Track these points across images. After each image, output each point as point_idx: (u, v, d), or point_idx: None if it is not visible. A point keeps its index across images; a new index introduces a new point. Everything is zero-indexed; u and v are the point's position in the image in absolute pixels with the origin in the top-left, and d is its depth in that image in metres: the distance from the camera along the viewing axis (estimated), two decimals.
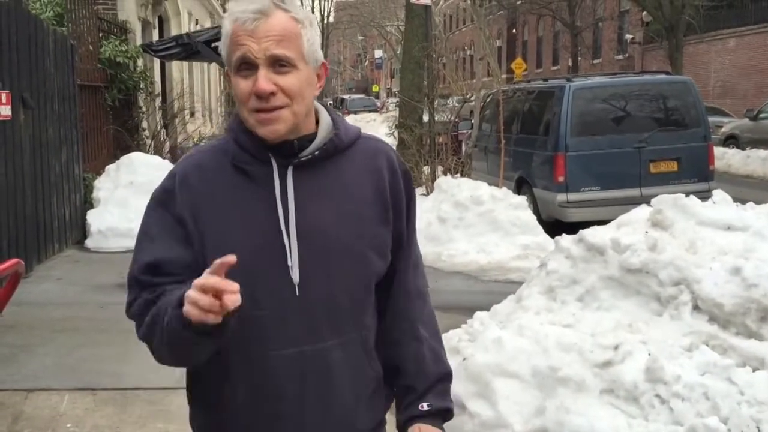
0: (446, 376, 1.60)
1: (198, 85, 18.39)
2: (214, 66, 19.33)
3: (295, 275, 1.41)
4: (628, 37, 32.07)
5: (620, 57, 33.60)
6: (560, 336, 3.76)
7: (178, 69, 15.36)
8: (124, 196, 8.20)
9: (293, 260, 1.40)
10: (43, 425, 3.63)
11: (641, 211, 4.39)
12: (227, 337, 1.31)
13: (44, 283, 6.40)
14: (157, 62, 13.22)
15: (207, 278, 1.21)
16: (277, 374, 1.42)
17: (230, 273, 1.28)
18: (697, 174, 8.51)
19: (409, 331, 1.57)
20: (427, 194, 9.29)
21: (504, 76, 30.15)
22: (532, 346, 3.75)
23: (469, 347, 3.97)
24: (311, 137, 1.44)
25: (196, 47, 10.67)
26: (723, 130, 18.11)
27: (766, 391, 3.27)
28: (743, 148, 16.61)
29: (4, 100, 5.85)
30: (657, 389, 3.38)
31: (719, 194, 4.51)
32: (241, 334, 1.37)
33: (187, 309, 1.23)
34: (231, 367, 1.43)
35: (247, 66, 1.36)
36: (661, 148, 8.43)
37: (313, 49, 1.41)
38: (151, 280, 1.42)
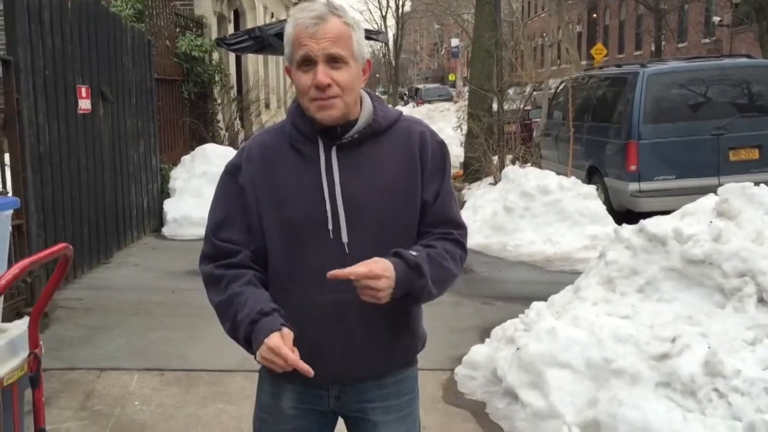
0: (446, 267, 1.74)
1: (273, 77, 18.77)
2: None
3: (345, 236, 1.70)
4: (716, 19, 30.60)
5: (707, 40, 32.12)
6: (616, 327, 3.69)
7: (252, 62, 15.73)
8: (198, 186, 8.50)
9: (342, 224, 1.70)
10: (113, 402, 3.84)
11: (707, 201, 4.24)
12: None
13: (123, 268, 6.73)
14: (232, 56, 13.57)
15: (288, 356, 1.58)
16: (312, 313, 1.72)
17: (284, 231, 1.72)
18: None
19: (437, 235, 1.78)
20: (495, 184, 9.21)
21: (584, 62, 29.37)
22: (586, 337, 3.70)
23: (524, 337, 3.95)
24: (354, 122, 1.73)
25: (268, 40, 10.87)
26: None
27: None
28: None
29: (84, 95, 6.17)
30: (715, 383, 3.27)
31: None
32: (291, 280, 1.73)
33: (263, 358, 1.61)
34: (281, 301, 1.72)
35: (308, 63, 1.65)
36: (741, 135, 8.07)
37: (360, 48, 1.70)
38: (220, 240, 1.76)
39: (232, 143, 10.76)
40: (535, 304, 4.34)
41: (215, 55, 11.14)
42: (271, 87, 17.10)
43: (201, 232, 7.71)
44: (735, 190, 4.13)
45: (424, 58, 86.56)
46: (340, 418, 1.88)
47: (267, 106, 16.71)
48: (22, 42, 5.04)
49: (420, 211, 1.76)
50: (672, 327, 3.60)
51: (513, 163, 9.37)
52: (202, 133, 9.92)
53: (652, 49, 32.42)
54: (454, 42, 54.93)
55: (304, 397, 1.81)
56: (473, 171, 10.04)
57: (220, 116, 11.18)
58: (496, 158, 10.16)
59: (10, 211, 2.00)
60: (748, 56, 9.69)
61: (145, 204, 7.96)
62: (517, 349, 3.88)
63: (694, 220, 4.10)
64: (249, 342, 1.66)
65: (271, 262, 1.76)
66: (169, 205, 8.37)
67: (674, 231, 4.00)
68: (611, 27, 41.93)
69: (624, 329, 3.66)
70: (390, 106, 1.88)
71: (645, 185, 8.12)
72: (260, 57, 16.34)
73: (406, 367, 1.86)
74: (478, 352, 4.26)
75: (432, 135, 1.80)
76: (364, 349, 1.75)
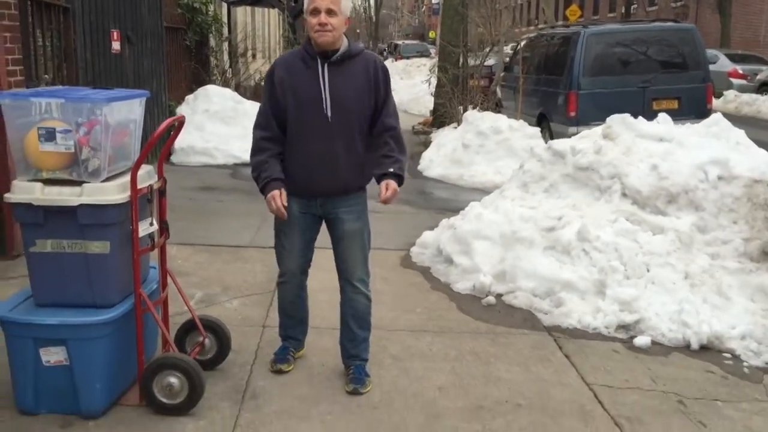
0: (402, 162, 3.25)
1: (260, 28, 19.85)
2: (274, 11, 20.73)
3: (329, 111, 3.20)
4: None
5: (675, 4, 33.50)
6: (522, 212, 5.21)
7: (242, 14, 16.85)
8: (201, 121, 9.85)
9: (328, 104, 3.19)
10: None
11: (599, 128, 5.74)
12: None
13: None
14: (224, 7, 14.71)
15: (277, 207, 3.15)
16: (310, 157, 3.23)
17: (294, 112, 3.12)
18: (696, 112, 9.58)
19: (384, 141, 3.27)
20: (457, 127, 10.66)
21: (559, 23, 30.66)
22: (502, 219, 5.22)
23: (459, 221, 5.46)
24: (337, 50, 3.18)
25: None
26: (758, 77, 18.69)
27: (659, 246, 4.68)
28: None
29: (116, 37, 7.46)
30: (583, 245, 4.81)
31: (662, 117, 5.83)
32: (296, 136, 3.21)
33: (269, 205, 3.18)
34: (291, 151, 3.26)
35: (316, 11, 3.12)
36: (663, 88, 9.56)
37: (345, 8, 3.18)
38: (270, 111, 3.23)
39: (226, 86, 12.04)
40: (472, 203, 5.84)
41: (211, 7, 12.33)
42: (259, 37, 18.21)
43: (205, 160, 9.64)
44: (617, 119, 5.64)
45: (405, 15, 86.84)
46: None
47: (254, 56, 17.86)
48: None
49: (373, 107, 3.24)
50: (560, 211, 5.13)
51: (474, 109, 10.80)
52: (202, 76, 11.19)
53: (623, 11, 33.68)
54: None
55: (304, 206, 3.32)
56: (439, 116, 11.45)
57: (215, 62, 12.42)
58: (461, 108, 11.58)
59: (145, 98, 3.40)
60: (675, 21, 11.15)
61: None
62: (454, 229, 5.39)
63: (586, 141, 5.61)
64: (263, 188, 3.21)
65: (289, 125, 3.24)
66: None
67: (570, 147, 5.51)
68: None
69: (528, 213, 5.19)
70: (358, 43, 3.45)
71: (582, 129, 9.59)
72: (249, 9, 17.44)
73: (360, 191, 3.36)
74: (427, 235, 5.76)
75: (381, 62, 3.32)
76: (338, 176, 3.24)
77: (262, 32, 20.24)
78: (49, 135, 2.91)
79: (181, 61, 10.85)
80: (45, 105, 2.92)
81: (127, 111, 3.24)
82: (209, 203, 7.23)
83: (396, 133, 3.31)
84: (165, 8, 9.76)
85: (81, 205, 2.93)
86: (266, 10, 19.89)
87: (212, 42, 12.32)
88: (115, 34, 7.45)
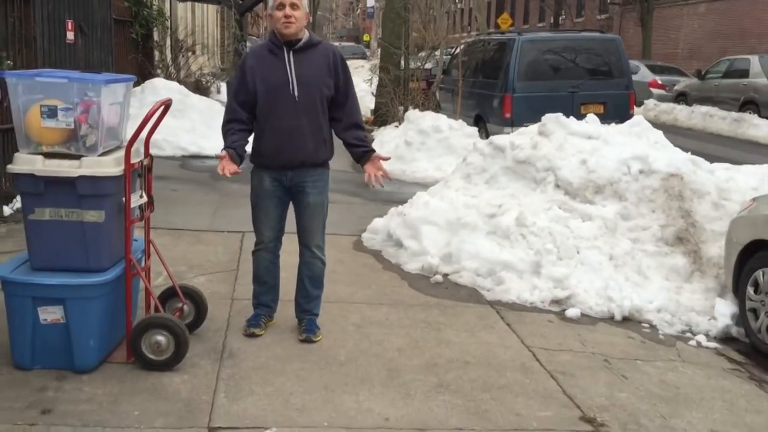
0: (369, 144, 3.76)
1: (199, 24, 19.86)
2: (213, 8, 20.76)
3: (296, 92, 3.68)
4: None
5: (601, 17, 35.08)
6: (466, 200, 5.69)
7: (183, 9, 16.89)
8: None
9: (295, 86, 3.68)
10: None
11: (535, 126, 6.29)
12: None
13: None
14: (167, 2, 14.78)
15: (222, 168, 3.56)
16: (281, 133, 3.68)
17: (265, 95, 3.59)
18: (620, 116, 10.25)
19: (351, 128, 3.74)
20: (399, 126, 11.12)
21: (491, 30, 31.66)
22: (447, 206, 5.68)
23: (408, 208, 5.90)
24: (300, 40, 3.67)
25: None
26: (676, 88, 19.93)
27: (587, 231, 5.23)
28: (690, 105, 18.48)
29: (70, 27, 7.57)
30: (521, 230, 5.32)
31: (591, 117, 6.42)
32: (268, 115, 3.66)
33: (219, 167, 3.61)
34: (263, 129, 3.70)
35: (281, 6, 3.61)
36: (590, 93, 10.27)
37: (306, 3, 3.69)
38: (236, 102, 3.70)
39: (170, 80, 12.14)
40: (418, 192, 6.29)
41: (155, 0, 12.42)
42: (198, 33, 18.26)
43: (153, 151, 9.61)
44: (551, 118, 6.19)
45: (340, 17, 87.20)
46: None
47: (194, 52, 17.90)
48: None
49: (334, 88, 3.72)
50: (500, 200, 5.63)
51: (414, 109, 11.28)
52: (147, 68, 11.29)
53: (551, 21, 35.02)
54: (370, 2, 56.16)
55: (275, 178, 3.76)
56: (381, 115, 11.90)
57: (160, 57, 12.51)
58: (402, 108, 12.06)
59: (132, 82, 3.68)
60: (601, 31, 11.95)
61: None
62: (404, 215, 5.81)
63: (524, 137, 6.14)
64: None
65: (259, 106, 3.69)
66: None
67: (510, 142, 6.02)
68: None
69: (471, 201, 5.67)
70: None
71: (516, 129, 10.21)
72: (189, 6, 17.49)
73: (324, 166, 3.83)
74: (377, 222, 6.17)
75: (339, 52, 3.84)
76: (304, 149, 3.70)
77: (202, 28, 20.26)
78: (52, 112, 3.18)
79: (128, 53, 10.94)
80: (48, 84, 3.18)
81: (117, 93, 3.52)
82: (164, 191, 7.43)
83: (359, 116, 3.91)
84: (113, 0, 9.86)
85: (80, 177, 3.20)
86: (205, 6, 19.92)
87: (156, 36, 12.41)
88: (69, 24, 7.56)
